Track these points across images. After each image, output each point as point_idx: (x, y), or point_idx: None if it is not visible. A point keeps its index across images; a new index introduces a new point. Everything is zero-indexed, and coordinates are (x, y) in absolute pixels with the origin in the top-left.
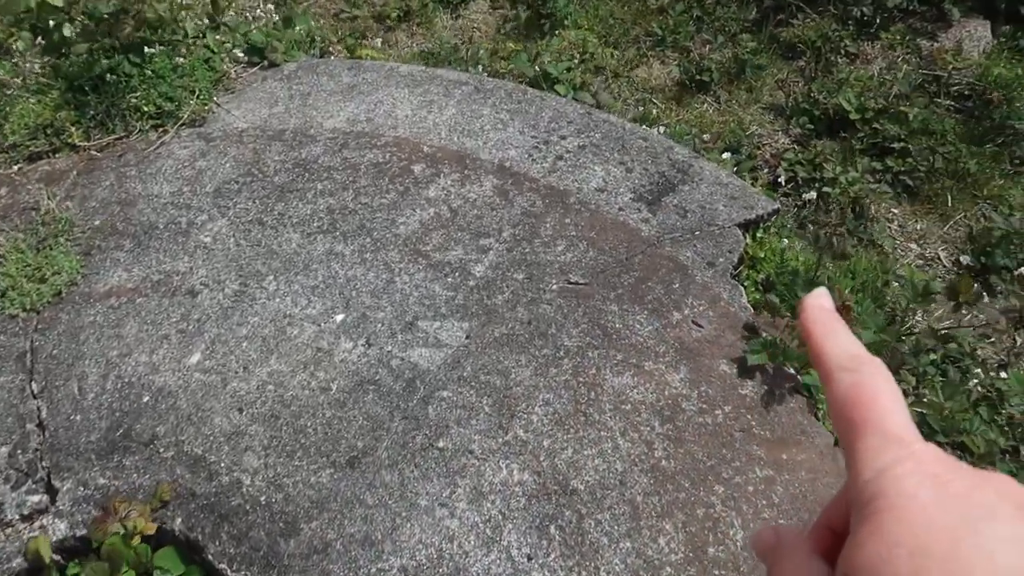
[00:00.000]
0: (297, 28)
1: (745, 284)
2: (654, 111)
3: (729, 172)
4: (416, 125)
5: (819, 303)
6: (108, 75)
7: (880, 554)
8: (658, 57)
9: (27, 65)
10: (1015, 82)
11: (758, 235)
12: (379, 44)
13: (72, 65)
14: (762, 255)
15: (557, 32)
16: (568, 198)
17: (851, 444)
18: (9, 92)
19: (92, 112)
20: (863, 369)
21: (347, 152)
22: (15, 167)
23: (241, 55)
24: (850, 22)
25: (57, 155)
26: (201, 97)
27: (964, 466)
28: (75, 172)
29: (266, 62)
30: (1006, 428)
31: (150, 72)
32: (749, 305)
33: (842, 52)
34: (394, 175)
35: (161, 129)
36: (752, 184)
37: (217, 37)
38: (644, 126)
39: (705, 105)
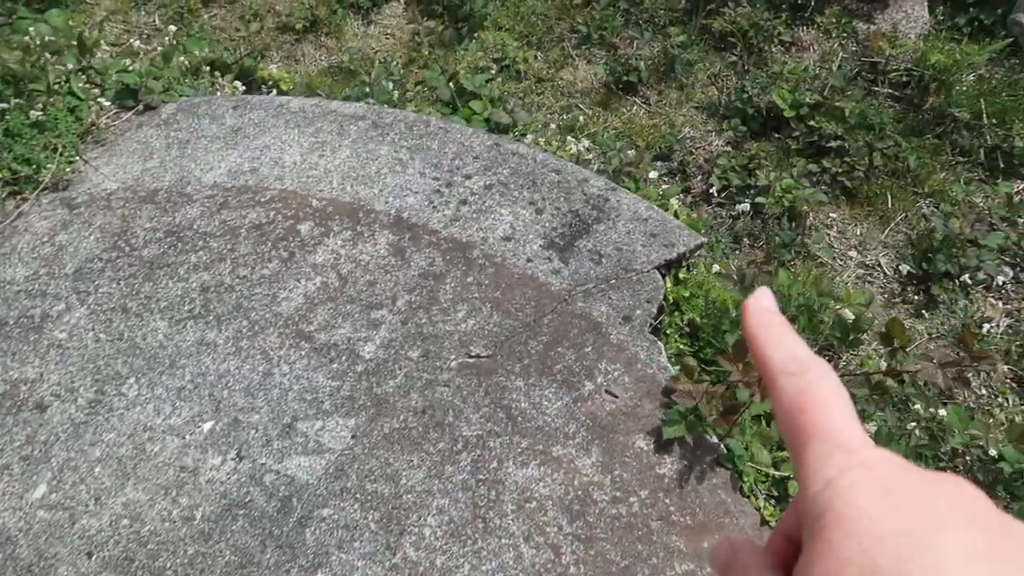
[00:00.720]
0: (184, 58)
1: (668, 332)
2: (581, 118)
3: (650, 204)
4: (305, 173)
5: (762, 305)
6: None
7: (829, 574)
8: (584, 56)
9: None
10: (953, 67)
11: (681, 276)
12: (283, 61)
13: None
14: (686, 294)
15: (476, 35)
16: (471, 251)
17: (798, 454)
18: None
19: None
20: (808, 373)
21: (226, 213)
22: None
23: (107, 103)
24: (784, 7)
25: None
26: (65, 155)
27: (915, 471)
28: None
29: (141, 105)
30: (948, 467)
31: (2, 132)
32: (669, 364)
33: (776, 41)
34: (278, 238)
35: (19, 197)
36: (683, 199)
37: (82, 84)
38: (559, 154)
39: (635, 108)
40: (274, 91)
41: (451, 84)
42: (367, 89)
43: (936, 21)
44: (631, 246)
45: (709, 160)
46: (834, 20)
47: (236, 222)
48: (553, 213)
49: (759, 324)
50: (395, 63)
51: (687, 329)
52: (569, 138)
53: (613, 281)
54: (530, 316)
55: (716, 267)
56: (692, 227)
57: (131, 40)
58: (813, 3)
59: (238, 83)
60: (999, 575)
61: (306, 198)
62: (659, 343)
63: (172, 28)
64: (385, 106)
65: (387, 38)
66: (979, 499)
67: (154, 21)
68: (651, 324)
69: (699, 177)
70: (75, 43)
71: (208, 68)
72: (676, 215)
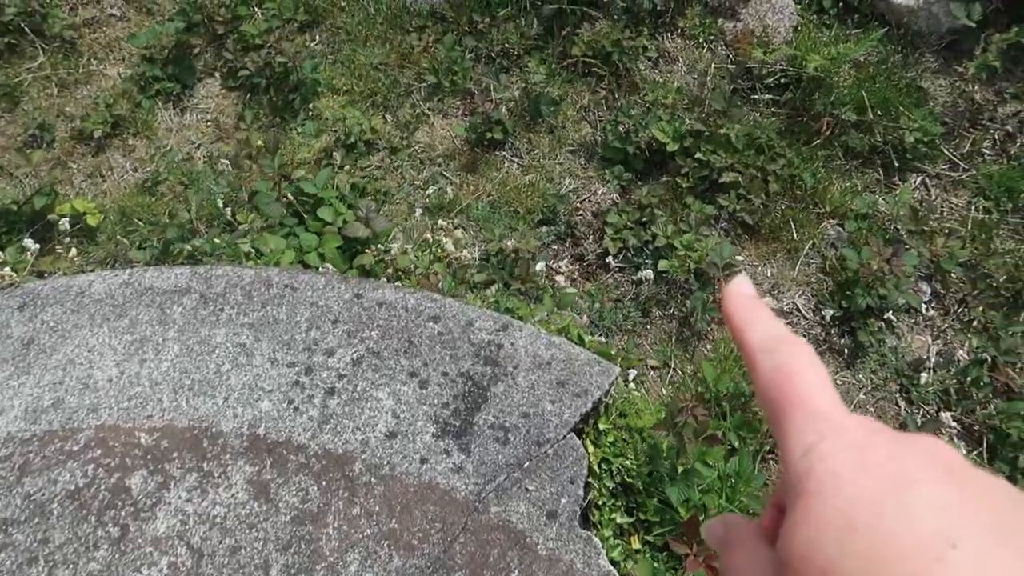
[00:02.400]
0: None
1: (600, 506)
2: (449, 190)
3: (549, 338)
4: (126, 394)
5: (739, 290)
6: None
7: (810, 536)
8: (438, 110)
9: None
10: (829, 63)
11: (601, 426)
12: (87, 180)
13: None
14: (610, 441)
15: (311, 105)
16: (352, 466)
17: (778, 425)
18: None
19: None
20: (784, 348)
21: (29, 481)
22: None
23: None
24: (643, 17)
25: None
26: None
27: (888, 432)
28: None
29: None
30: None
31: None
32: (611, 565)
33: (642, 58)
34: (102, 507)
35: None
36: (576, 271)
37: None
38: (435, 254)
39: (506, 165)
40: (79, 226)
41: (288, 195)
42: (190, 226)
43: (802, 8)
44: (538, 405)
45: (598, 215)
46: (698, 22)
47: (44, 494)
48: (440, 383)
49: (737, 307)
50: (220, 166)
51: (620, 487)
52: (444, 239)
53: (527, 464)
54: (438, 545)
55: (638, 391)
56: (602, 354)
57: None
58: (672, 6)
59: (29, 242)
60: (969, 525)
61: (132, 432)
62: (594, 539)
63: None
64: (211, 261)
65: (207, 126)
66: (952, 456)
67: None
68: (580, 509)
69: (590, 239)
70: None
71: None
72: (581, 339)
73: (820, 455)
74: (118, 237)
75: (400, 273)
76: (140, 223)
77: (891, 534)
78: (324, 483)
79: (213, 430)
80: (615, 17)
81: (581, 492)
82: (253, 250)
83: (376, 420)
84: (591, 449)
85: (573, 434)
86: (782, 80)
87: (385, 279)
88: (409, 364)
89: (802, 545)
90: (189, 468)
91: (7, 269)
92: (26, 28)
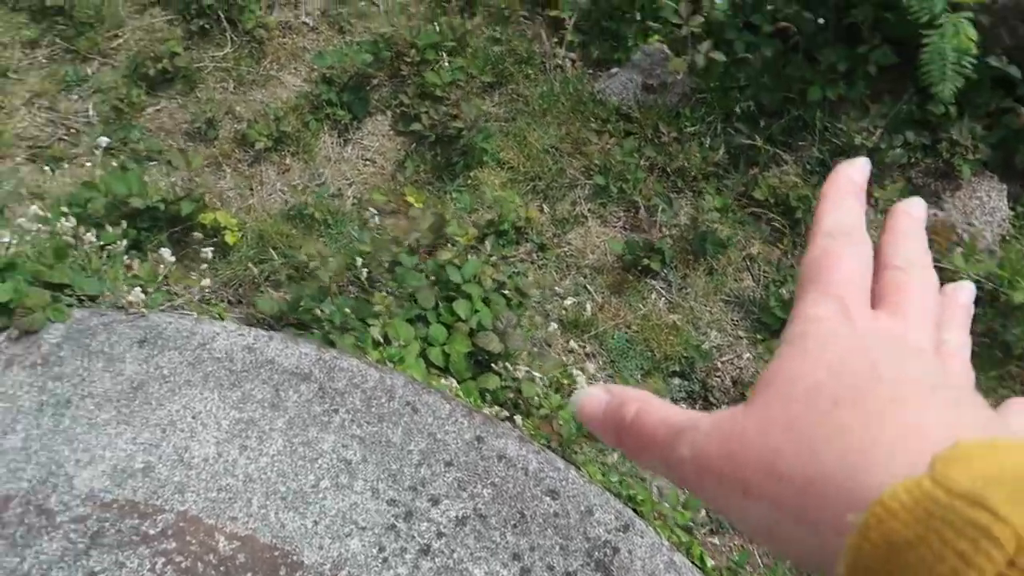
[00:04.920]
0: (101, 205)
1: None
2: (588, 306)
3: (670, 555)
4: (218, 483)
5: (850, 173)
6: None
7: (802, 367)
8: (599, 214)
9: None
10: None
11: None
12: (235, 189)
13: None
14: None
15: (471, 174)
16: None
17: (797, 297)
18: None
19: None
20: (842, 240)
21: (96, 556)
22: None
23: None
24: None
25: None
26: None
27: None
28: None
29: (15, 331)
30: None
31: None
32: None
33: None
34: None
35: None
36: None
37: None
38: (562, 382)
39: (653, 296)
40: (215, 240)
41: (431, 276)
42: (318, 311)
43: (1016, 216)
44: None
45: (738, 383)
46: (896, 197)
47: None
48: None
49: (835, 186)
50: (367, 214)
51: None
52: (575, 371)
53: None
54: None
55: None
56: None
57: (52, 143)
58: (874, 172)
59: (166, 252)
60: (949, 381)
61: (212, 532)
62: None
63: (104, 141)
64: (336, 335)
65: (365, 164)
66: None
67: (87, 111)
68: None
69: (725, 403)
70: None
71: (124, 242)
72: (703, 561)
73: (819, 319)
74: (250, 265)
75: (523, 402)
76: (274, 253)
77: (879, 375)
78: None
79: (294, 558)
80: (807, 167)
81: None
82: (381, 337)
83: None
84: None
85: None
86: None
87: (507, 404)
88: (515, 543)
89: (791, 371)
90: None
91: (137, 291)
92: (221, 16)
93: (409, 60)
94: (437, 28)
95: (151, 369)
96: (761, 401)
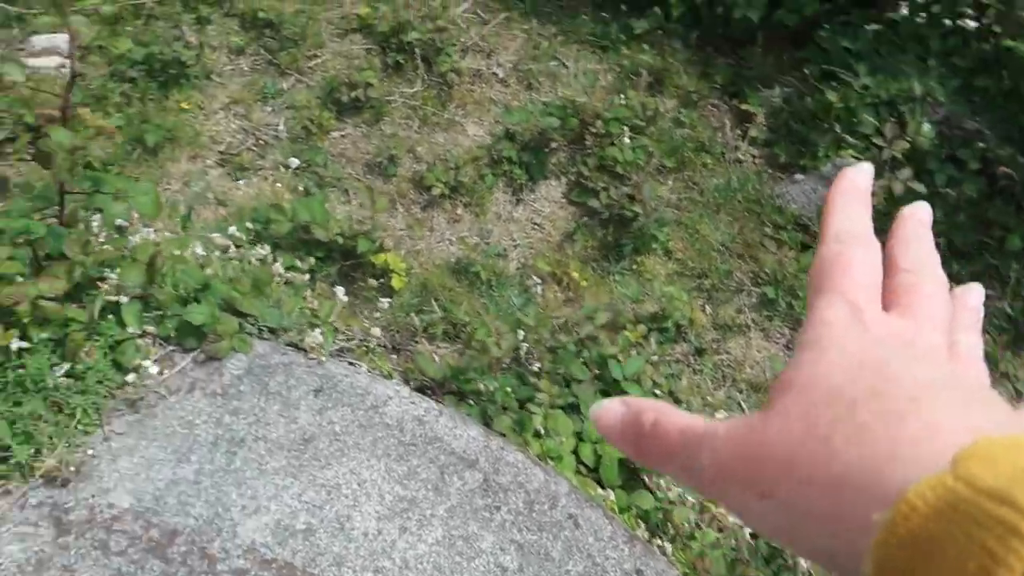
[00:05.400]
0: (284, 236)
1: None
2: None
3: None
4: (374, 563)
5: (854, 179)
6: None
7: (818, 370)
8: (762, 327)
9: None
10: None
11: None
12: (406, 231)
13: None
14: None
15: (639, 259)
16: None
17: (809, 303)
18: None
19: None
20: (852, 242)
21: None
22: None
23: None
24: None
25: None
26: (83, 423)
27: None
28: None
29: (201, 355)
30: None
31: (13, 381)
32: None
33: None
34: None
35: (1, 489)
36: None
37: (136, 311)
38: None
39: None
40: (382, 281)
41: (592, 367)
42: (481, 386)
43: None
44: None
45: None
46: None
47: None
48: None
49: (842, 191)
50: (530, 282)
51: None
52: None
53: None
54: None
55: None
56: None
57: (241, 151)
58: None
59: (340, 291)
60: (960, 382)
61: None
62: None
63: (294, 163)
64: (502, 444)
65: (534, 229)
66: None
67: (278, 125)
68: None
69: None
70: (144, 261)
71: (307, 276)
72: None
73: (831, 323)
74: (412, 315)
75: (673, 531)
76: (436, 306)
77: (895, 376)
78: None
79: None
80: (994, 322)
81: None
82: (543, 428)
83: None
84: None
85: None
86: None
87: (656, 527)
88: None
89: (808, 375)
90: None
91: (317, 333)
92: (418, 54)
93: (595, 132)
94: (624, 100)
95: (324, 423)
96: (779, 406)
